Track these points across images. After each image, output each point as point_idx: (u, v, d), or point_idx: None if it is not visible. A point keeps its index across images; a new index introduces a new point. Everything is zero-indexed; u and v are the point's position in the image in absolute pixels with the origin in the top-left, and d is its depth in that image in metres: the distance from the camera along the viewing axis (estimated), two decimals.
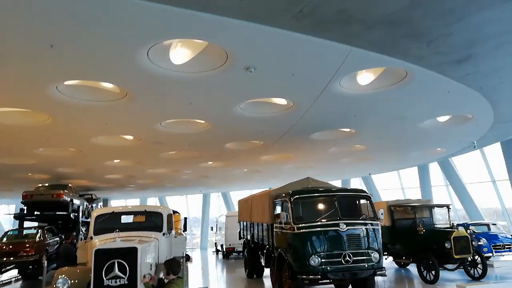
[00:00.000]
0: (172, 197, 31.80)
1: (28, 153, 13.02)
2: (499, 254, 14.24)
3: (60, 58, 5.77)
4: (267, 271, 12.13)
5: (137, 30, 5.09)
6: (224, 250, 20.97)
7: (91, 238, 8.10)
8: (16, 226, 17.42)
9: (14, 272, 14.64)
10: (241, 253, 17.80)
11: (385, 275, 8.78)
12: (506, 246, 14.40)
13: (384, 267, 8.55)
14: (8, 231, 15.27)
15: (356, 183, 26.70)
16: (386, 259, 12.75)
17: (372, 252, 8.44)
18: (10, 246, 13.03)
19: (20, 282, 14.50)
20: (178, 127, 10.34)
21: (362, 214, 9.06)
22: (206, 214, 30.31)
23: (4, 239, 13.98)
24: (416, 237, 11.73)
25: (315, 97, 8.20)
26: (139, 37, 5.28)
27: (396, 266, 14.07)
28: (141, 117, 9.29)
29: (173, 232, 9.32)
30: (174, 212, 15.01)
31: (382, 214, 9.38)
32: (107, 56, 5.79)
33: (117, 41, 5.34)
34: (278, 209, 9.83)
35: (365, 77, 7.61)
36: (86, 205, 19.81)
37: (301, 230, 8.57)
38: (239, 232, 15.19)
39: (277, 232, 9.74)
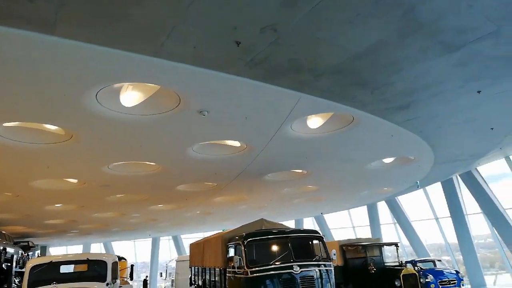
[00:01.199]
0: (119, 242, 30.03)
1: None
2: None
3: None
4: None
5: (86, 73, 4.94)
6: None
7: None
8: None
9: None
10: None
11: None
12: (452, 282, 14.97)
13: None
14: None
15: (309, 223, 26.96)
16: None
17: None
18: None
19: None
20: (126, 169, 9.94)
21: (315, 255, 9.06)
22: (155, 259, 28.84)
23: None
24: (368, 276, 11.90)
25: (268, 140, 8.33)
26: (88, 80, 5.12)
27: None
28: (87, 159, 8.86)
29: (118, 281, 8.73)
30: (120, 258, 14.13)
31: (334, 254, 9.44)
32: (52, 98, 5.54)
33: (64, 83, 5.14)
34: (231, 253, 9.57)
35: (315, 121, 7.90)
36: (21, 253, 18.10)
37: (255, 274, 8.37)
38: (190, 278, 14.51)
39: (230, 277, 9.42)
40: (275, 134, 7.96)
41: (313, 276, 8.49)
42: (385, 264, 13.17)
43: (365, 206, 22.94)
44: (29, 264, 7.99)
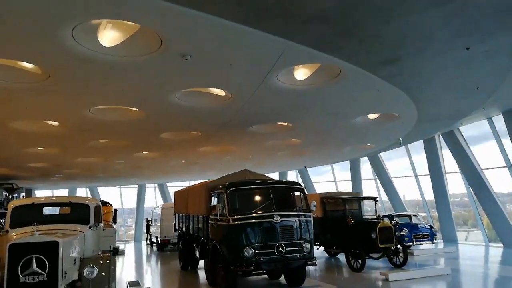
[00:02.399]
0: (105, 188, 30.31)
1: None
2: (418, 243, 15.50)
3: None
4: (201, 263, 12.04)
5: (60, 4, 4.64)
6: (159, 242, 20.46)
7: (7, 231, 7.43)
8: None
9: None
10: (176, 245, 17.51)
11: (316, 265, 9.12)
12: (425, 236, 15.72)
13: (315, 257, 8.88)
14: None
15: (293, 176, 27.48)
16: (317, 248, 13.28)
17: (304, 243, 8.71)
18: None
19: None
20: (108, 114, 9.76)
21: (296, 206, 9.29)
22: (141, 206, 29.35)
23: None
24: (346, 228, 12.34)
25: (253, 90, 8.19)
26: (63, 13, 4.82)
27: (326, 255, 14.70)
28: (67, 102, 8.63)
29: (101, 225, 8.85)
30: (105, 203, 14.29)
31: (314, 206, 9.70)
32: (26, 32, 5.24)
33: (38, 16, 4.84)
34: (215, 201, 9.75)
35: (301, 73, 7.75)
36: (6, 195, 18.17)
37: (236, 222, 8.59)
38: (174, 224, 14.89)
39: (212, 224, 9.67)
40: (260, 84, 7.82)
41: (292, 225, 8.78)
42: (364, 217, 13.62)
43: (348, 162, 23.38)
44: (11, 205, 7.99)
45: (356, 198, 13.96)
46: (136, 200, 29.64)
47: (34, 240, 6.11)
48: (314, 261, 8.81)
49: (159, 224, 20.77)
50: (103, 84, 7.58)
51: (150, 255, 19.70)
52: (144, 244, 25.86)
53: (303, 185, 10.07)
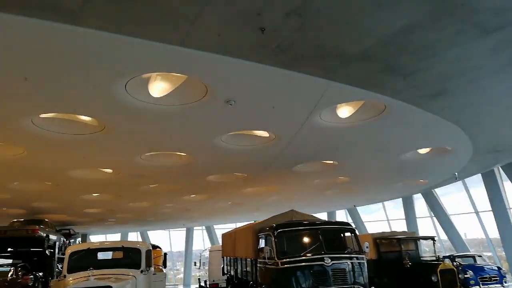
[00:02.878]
0: (155, 232, 30.94)
1: (2, 188, 12.57)
2: (486, 286, 14.09)
3: (35, 91, 5.67)
4: None
5: (115, 63, 5.06)
6: (208, 286, 20.23)
7: (65, 276, 7.72)
8: None
9: None
10: None
11: None
12: (493, 278, 14.28)
13: None
14: None
15: (341, 216, 26.56)
16: None
17: (358, 287, 8.22)
18: None
19: None
20: (158, 160, 10.16)
21: (347, 248, 8.89)
22: (189, 249, 29.48)
23: None
24: (403, 270, 11.56)
25: (296, 130, 8.22)
26: (117, 71, 5.24)
27: None
28: (120, 150, 9.13)
29: (152, 269, 8.96)
30: (155, 247, 14.56)
31: (367, 247, 9.21)
32: (83, 89, 5.71)
33: (94, 74, 5.29)
34: (262, 243, 9.59)
35: (345, 110, 7.69)
36: (63, 240, 19.02)
37: (285, 266, 8.34)
38: (223, 268, 14.73)
39: (261, 267, 9.45)
40: (303, 124, 7.84)
41: (345, 268, 8.34)
42: (422, 258, 12.74)
43: (400, 199, 22.28)
44: (68, 250, 8.35)
45: (412, 238, 13.15)
46: (184, 243, 29.88)
47: (89, 285, 6.34)
48: None
49: (207, 267, 20.70)
50: (153, 132, 7.97)
51: None
52: None
53: (353, 225, 9.68)
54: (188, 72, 5.61)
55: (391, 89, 6.41)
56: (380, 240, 12.89)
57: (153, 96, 6.19)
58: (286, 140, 8.95)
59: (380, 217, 24.84)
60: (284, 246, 8.88)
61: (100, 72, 5.26)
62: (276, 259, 8.52)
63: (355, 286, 8.21)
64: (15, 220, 16.75)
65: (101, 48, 4.71)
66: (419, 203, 21.97)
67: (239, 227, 13.04)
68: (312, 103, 6.78)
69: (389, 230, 19.23)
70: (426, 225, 21.80)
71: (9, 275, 13.32)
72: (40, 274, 15.47)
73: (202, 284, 22.12)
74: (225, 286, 17.59)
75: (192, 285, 27.41)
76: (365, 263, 8.75)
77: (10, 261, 15.82)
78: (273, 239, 8.80)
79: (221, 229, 27.90)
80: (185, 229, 29.69)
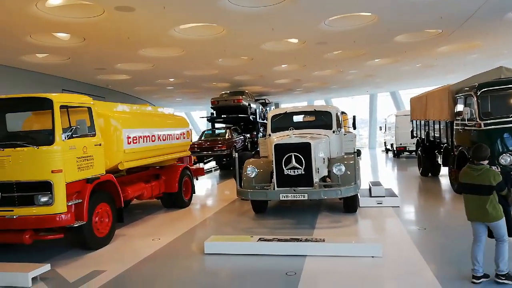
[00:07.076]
0: (338, 99, 31.84)
1: (211, 64, 14.80)
2: None
3: None
4: (443, 170, 11.52)
5: None
6: (395, 149, 20.64)
7: (269, 135, 9.10)
8: (209, 127, 20.91)
9: (212, 163, 18.13)
10: (413, 152, 17.26)
11: None
12: None
13: None
14: (204, 131, 18.81)
15: None
16: None
17: None
18: (208, 143, 15.90)
19: (218, 171, 17.96)
20: (342, 24, 9.88)
21: None
22: (373, 115, 29.63)
23: (203, 138, 17.16)
24: None
25: None
26: None
27: None
28: (305, 17, 9.19)
29: (343, 130, 9.59)
30: (342, 112, 15.21)
31: None
32: None
33: None
34: (460, 105, 8.86)
35: None
36: (261, 108, 21.85)
37: (489, 127, 7.64)
38: (411, 131, 14.53)
39: (458, 129, 8.97)
40: None
41: None
42: None
43: None
44: (270, 114, 9.63)
45: None
46: (368, 110, 30.04)
47: (292, 141, 7.32)
48: None
49: (393, 131, 20.81)
50: None
51: (386, 161, 20.23)
52: (378, 151, 26.54)
53: None
54: None
55: None
56: None
57: None
58: None
59: None
60: (488, 106, 8.14)
61: None
62: (478, 120, 7.85)
63: None
64: (223, 92, 20.03)
65: None
66: None
67: (432, 90, 12.15)
68: None
69: None
70: None
71: (226, 136, 16.69)
72: (247, 135, 18.67)
73: (388, 147, 22.62)
74: (412, 149, 17.58)
75: (377, 148, 28.28)
76: None
77: (223, 125, 19.55)
78: (476, 99, 8.01)
79: (407, 94, 26.50)
80: (368, 95, 29.54)
